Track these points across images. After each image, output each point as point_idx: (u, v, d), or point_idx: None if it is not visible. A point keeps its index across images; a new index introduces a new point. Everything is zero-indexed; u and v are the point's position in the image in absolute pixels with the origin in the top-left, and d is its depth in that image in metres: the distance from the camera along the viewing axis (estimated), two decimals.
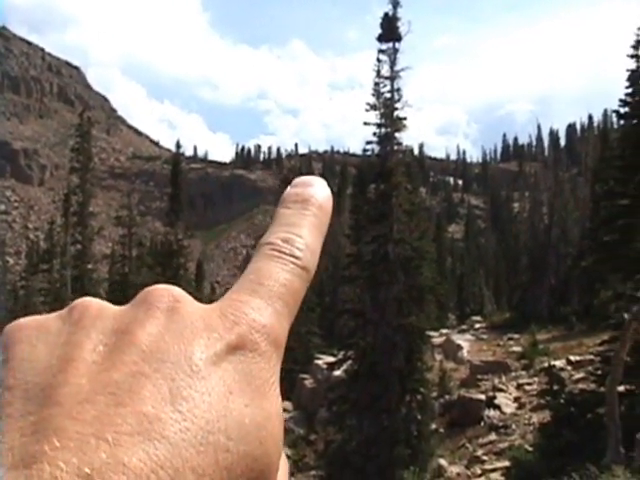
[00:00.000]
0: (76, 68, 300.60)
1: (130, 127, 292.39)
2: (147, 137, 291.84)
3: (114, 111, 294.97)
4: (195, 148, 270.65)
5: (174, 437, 0.40)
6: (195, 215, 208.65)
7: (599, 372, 23.68)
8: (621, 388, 20.93)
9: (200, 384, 0.43)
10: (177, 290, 0.48)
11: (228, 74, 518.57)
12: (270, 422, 0.44)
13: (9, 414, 0.41)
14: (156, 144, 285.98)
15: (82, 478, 0.36)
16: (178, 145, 56.40)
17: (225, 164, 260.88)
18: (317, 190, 0.54)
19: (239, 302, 0.48)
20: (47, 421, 0.39)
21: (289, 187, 0.56)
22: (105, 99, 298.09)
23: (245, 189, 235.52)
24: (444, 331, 64.03)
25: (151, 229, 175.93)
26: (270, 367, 0.47)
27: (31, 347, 0.45)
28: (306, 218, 0.52)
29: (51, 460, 0.37)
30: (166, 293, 0.48)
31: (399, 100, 34.40)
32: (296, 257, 0.51)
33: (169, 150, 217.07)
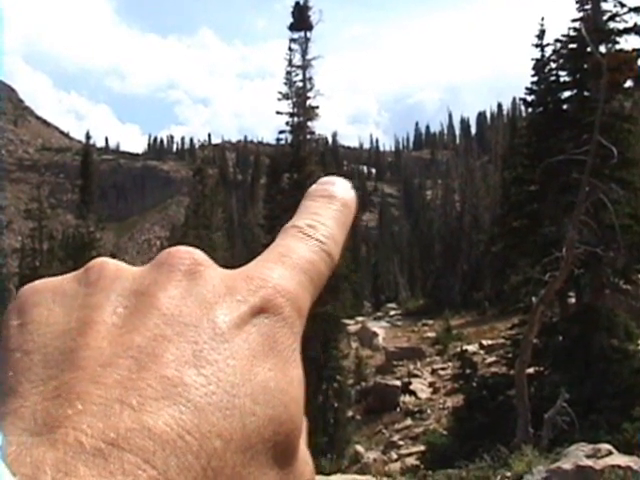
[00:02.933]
0: None
1: (38, 118, 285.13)
2: (56, 128, 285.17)
3: (21, 102, 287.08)
4: (106, 139, 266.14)
5: (200, 401, 0.39)
6: (107, 207, 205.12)
7: (510, 355, 24.17)
8: (530, 370, 21.43)
9: (224, 347, 0.42)
10: (199, 253, 0.46)
11: (136, 64, 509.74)
12: (293, 387, 0.43)
13: (29, 379, 0.39)
14: (66, 135, 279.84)
15: (107, 443, 0.36)
16: (88, 136, 55.31)
17: (137, 155, 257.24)
18: (343, 189, 0.55)
19: (265, 267, 0.47)
20: (69, 385, 0.38)
21: (315, 185, 0.56)
22: (12, 89, 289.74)
23: (158, 180, 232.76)
24: (359, 319, 64.47)
25: (62, 222, 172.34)
26: (293, 333, 0.45)
27: (48, 310, 0.44)
28: (331, 211, 0.53)
29: (75, 425, 0.36)
30: (188, 255, 0.46)
31: (311, 89, 34.43)
32: (322, 242, 0.50)
33: (80, 141, 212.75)
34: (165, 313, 0.42)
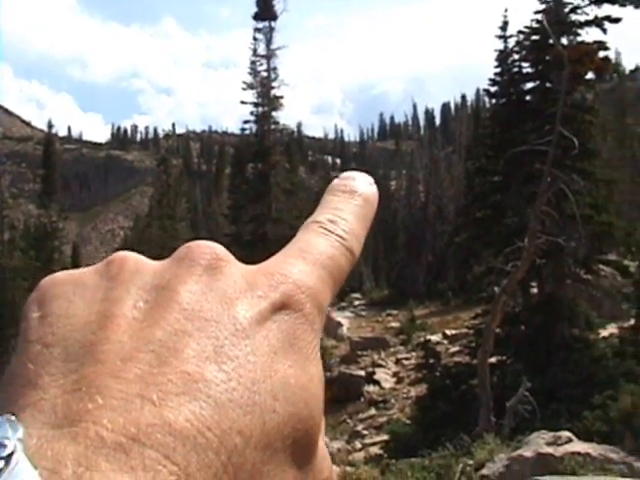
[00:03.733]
0: None
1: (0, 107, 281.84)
2: (18, 117, 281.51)
3: None
4: (69, 128, 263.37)
5: (220, 397, 0.38)
6: (70, 197, 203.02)
7: (473, 345, 24.33)
8: (493, 360, 21.62)
9: (245, 343, 0.41)
10: (220, 248, 0.46)
11: (98, 52, 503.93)
12: (313, 384, 0.42)
13: (49, 372, 0.39)
14: (28, 124, 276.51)
15: (128, 438, 0.36)
16: (50, 125, 54.93)
17: (100, 144, 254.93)
18: (364, 184, 0.55)
19: (285, 263, 0.47)
20: (89, 379, 0.38)
21: (336, 179, 0.56)
22: None
23: (121, 170, 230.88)
24: None
25: (24, 212, 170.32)
26: (313, 329, 0.45)
27: (68, 303, 0.44)
28: (352, 206, 0.52)
29: (96, 419, 0.36)
30: (208, 250, 0.46)
31: (275, 79, 34.41)
32: (342, 237, 0.50)
33: (42, 130, 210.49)
34: (186, 308, 0.42)
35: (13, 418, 0.35)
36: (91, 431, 0.36)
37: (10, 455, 0.32)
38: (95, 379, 0.38)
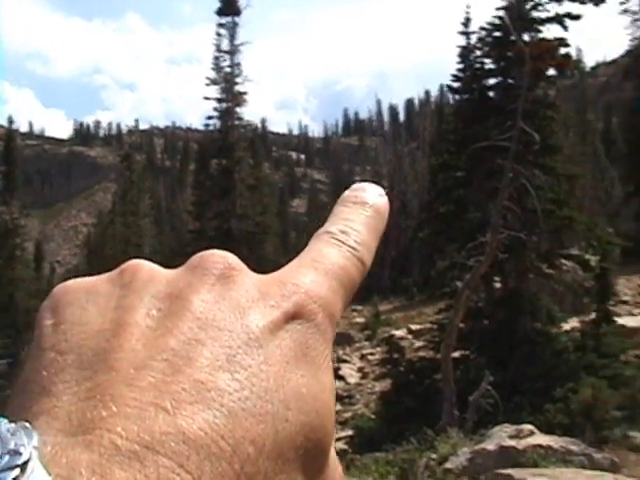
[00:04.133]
0: None
1: None
2: None
3: None
4: (30, 124, 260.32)
5: (233, 406, 0.38)
6: (32, 193, 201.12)
7: (437, 340, 24.43)
8: (457, 354, 21.76)
9: (257, 353, 0.41)
10: (233, 257, 0.46)
11: (60, 48, 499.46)
12: (325, 394, 0.42)
13: (63, 379, 0.39)
14: None
15: (142, 446, 0.36)
16: (11, 121, 54.19)
17: (63, 140, 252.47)
18: (375, 195, 0.55)
19: (298, 273, 0.47)
20: (103, 387, 0.38)
21: (348, 190, 0.57)
22: None
23: (84, 166, 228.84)
24: None
25: None
26: (325, 340, 0.45)
27: (82, 310, 0.44)
28: (363, 217, 0.53)
29: (110, 427, 0.36)
30: (221, 260, 0.46)
31: (239, 75, 34.25)
32: (354, 248, 0.50)
33: (2, 126, 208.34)
34: (199, 317, 0.42)
35: (28, 425, 0.35)
36: (105, 439, 0.36)
37: (26, 462, 0.32)
38: (109, 387, 0.38)
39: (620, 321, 25.56)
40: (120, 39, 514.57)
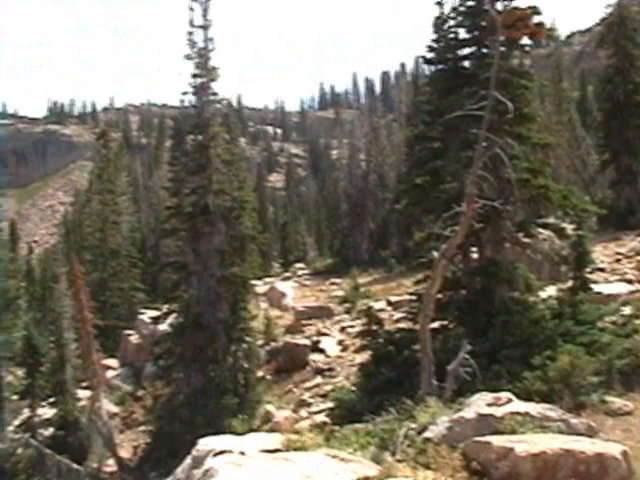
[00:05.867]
0: None
1: None
2: None
3: None
4: (4, 104, 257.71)
5: None
6: (7, 173, 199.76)
7: (415, 311, 24.51)
8: (435, 324, 21.87)
9: None
10: None
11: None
12: None
13: None
14: None
15: None
16: None
17: (37, 119, 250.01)
18: None
19: None
20: None
21: None
22: None
23: (60, 145, 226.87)
24: (268, 279, 64.69)
25: None
26: None
27: None
28: None
29: None
30: None
31: (213, 50, 33.98)
32: None
33: None
34: None
35: None
36: None
37: None
38: None
39: (597, 288, 25.78)
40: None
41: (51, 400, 37.60)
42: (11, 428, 38.44)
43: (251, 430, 21.51)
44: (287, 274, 73.63)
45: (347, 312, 43.68)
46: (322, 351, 36.57)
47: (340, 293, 49.78)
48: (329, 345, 37.16)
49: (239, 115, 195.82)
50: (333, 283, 57.70)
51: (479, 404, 12.32)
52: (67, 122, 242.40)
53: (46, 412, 37.81)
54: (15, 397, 40.76)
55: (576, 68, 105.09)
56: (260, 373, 35.12)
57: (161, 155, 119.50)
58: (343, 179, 78.11)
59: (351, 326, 39.54)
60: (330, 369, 34.26)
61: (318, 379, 33.57)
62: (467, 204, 16.46)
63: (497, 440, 9.95)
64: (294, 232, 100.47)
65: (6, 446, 34.06)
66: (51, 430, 36.85)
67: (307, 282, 62.53)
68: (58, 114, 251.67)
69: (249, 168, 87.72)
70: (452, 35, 25.91)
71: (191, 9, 33.85)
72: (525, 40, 24.61)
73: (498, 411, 11.68)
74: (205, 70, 34.04)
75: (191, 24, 33.90)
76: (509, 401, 12.39)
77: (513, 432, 10.79)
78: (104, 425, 33.48)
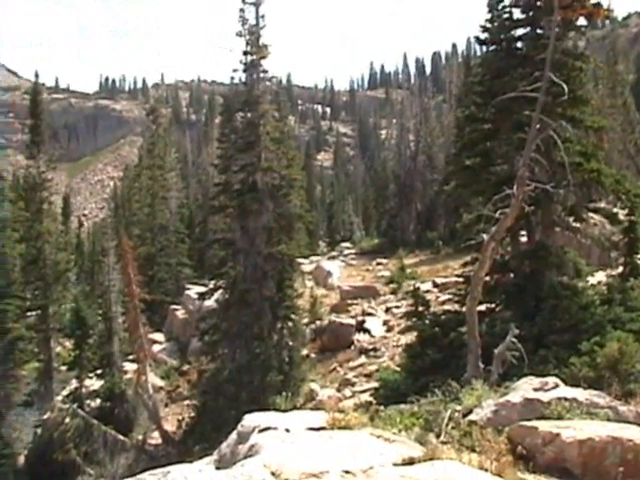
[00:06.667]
0: None
1: None
2: (3, 66, 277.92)
3: None
4: (56, 79, 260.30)
5: None
6: (59, 147, 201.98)
7: (462, 293, 24.38)
8: (482, 307, 21.70)
9: None
10: None
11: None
12: None
13: None
14: (14, 74, 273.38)
15: None
16: (37, 74, 54.05)
17: (89, 94, 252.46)
18: None
19: None
20: None
21: None
22: None
23: (110, 120, 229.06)
24: (314, 258, 64.83)
25: (12, 163, 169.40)
26: None
27: None
28: None
29: None
30: None
31: (264, 27, 33.93)
32: None
33: (28, 80, 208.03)
34: None
35: None
36: None
37: None
38: None
39: None
40: None
41: (98, 372, 38.16)
42: (59, 398, 39.15)
43: (295, 408, 21.60)
44: (333, 253, 73.71)
45: (393, 293, 43.63)
46: (367, 331, 36.61)
47: (386, 274, 49.73)
48: (374, 325, 37.17)
49: (288, 93, 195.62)
50: (379, 263, 57.65)
51: (525, 388, 12.21)
52: (118, 97, 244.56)
53: (93, 384, 38.41)
54: (63, 368, 41.51)
55: (632, 50, 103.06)
56: (305, 351, 35.27)
57: (210, 132, 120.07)
58: (391, 159, 77.87)
59: (396, 307, 39.51)
60: (375, 349, 34.29)
61: (362, 359, 33.63)
62: (518, 186, 16.26)
63: (543, 425, 9.85)
64: (341, 211, 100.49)
65: (54, 415, 34.65)
66: (98, 401, 37.48)
67: (353, 262, 62.57)
68: (109, 89, 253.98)
69: (298, 146, 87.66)
70: (506, 15, 25.52)
71: None
72: (581, 21, 24.17)
73: (545, 396, 11.57)
74: (256, 47, 34.01)
75: (243, 1, 33.86)
76: (556, 386, 12.27)
77: (559, 418, 10.67)
78: (150, 398, 33.95)
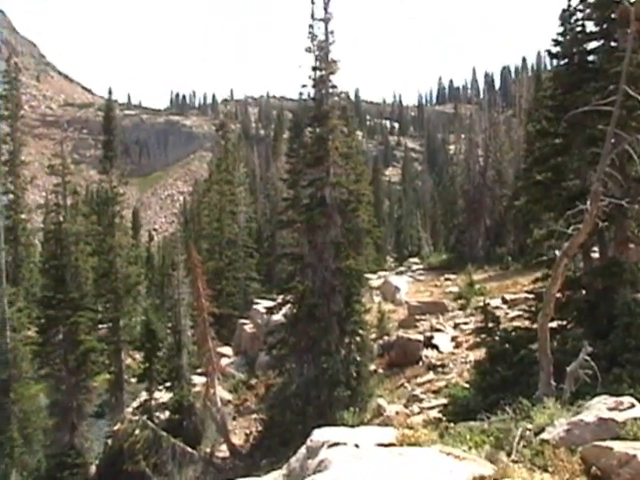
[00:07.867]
0: (1, 12, 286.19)
1: (61, 74, 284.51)
2: (79, 84, 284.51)
3: (43, 57, 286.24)
4: (128, 95, 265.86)
5: None
6: (130, 162, 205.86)
7: (532, 309, 24.07)
8: (553, 324, 21.37)
9: None
10: None
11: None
12: None
13: None
14: (88, 91, 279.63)
15: None
16: (110, 91, 55.27)
17: (159, 110, 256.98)
18: None
19: None
20: None
21: None
22: (33, 44, 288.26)
23: (180, 135, 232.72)
24: (382, 273, 64.64)
25: (86, 177, 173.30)
26: None
27: None
28: None
29: None
30: None
31: (333, 43, 34.04)
32: None
33: (102, 97, 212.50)
34: None
35: None
36: None
37: None
38: None
39: None
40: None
41: (167, 384, 38.56)
42: (129, 409, 39.68)
43: (362, 423, 21.52)
44: (401, 268, 73.46)
45: (461, 308, 43.24)
46: (435, 347, 36.30)
47: (454, 289, 49.32)
48: (442, 341, 36.85)
49: (357, 108, 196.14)
50: (448, 279, 57.24)
51: (599, 408, 11.95)
52: (188, 113, 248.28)
53: (162, 396, 38.82)
54: (133, 380, 42.04)
55: None
56: (372, 367, 35.12)
57: (279, 147, 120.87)
58: (460, 174, 77.33)
59: (465, 323, 39.14)
60: (443, 365, 33.97)
61: (430, 375, 33.35)
62: (592, 202, 15.98)
63: (619, 446, 9.63)
64: (409, 226, 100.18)
65: (124, 426, 35.12)
66: (167, 414, 37.86)
67: (421, 277, 62.22)
68: (180, 105, 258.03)
69: (366, 162, 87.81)
70: (579, 28, 25.20)
71: (312, 2, 33.96)
72: None
73: (620, 416, 11.31)
74: (325, 63, 34.11)
75: (312, 17, 34.02)
76: (632, 406, 11.97)
77: (636, 438, 10.42)
78: (218, 411, 34.17)
